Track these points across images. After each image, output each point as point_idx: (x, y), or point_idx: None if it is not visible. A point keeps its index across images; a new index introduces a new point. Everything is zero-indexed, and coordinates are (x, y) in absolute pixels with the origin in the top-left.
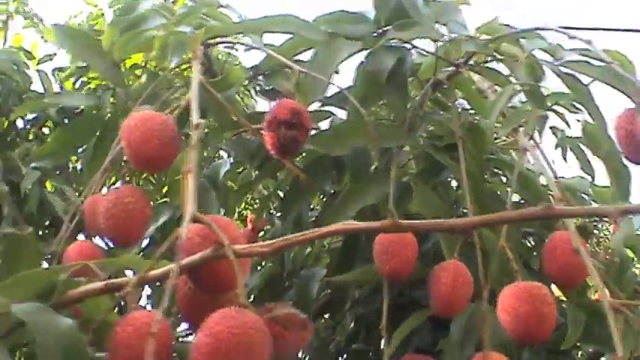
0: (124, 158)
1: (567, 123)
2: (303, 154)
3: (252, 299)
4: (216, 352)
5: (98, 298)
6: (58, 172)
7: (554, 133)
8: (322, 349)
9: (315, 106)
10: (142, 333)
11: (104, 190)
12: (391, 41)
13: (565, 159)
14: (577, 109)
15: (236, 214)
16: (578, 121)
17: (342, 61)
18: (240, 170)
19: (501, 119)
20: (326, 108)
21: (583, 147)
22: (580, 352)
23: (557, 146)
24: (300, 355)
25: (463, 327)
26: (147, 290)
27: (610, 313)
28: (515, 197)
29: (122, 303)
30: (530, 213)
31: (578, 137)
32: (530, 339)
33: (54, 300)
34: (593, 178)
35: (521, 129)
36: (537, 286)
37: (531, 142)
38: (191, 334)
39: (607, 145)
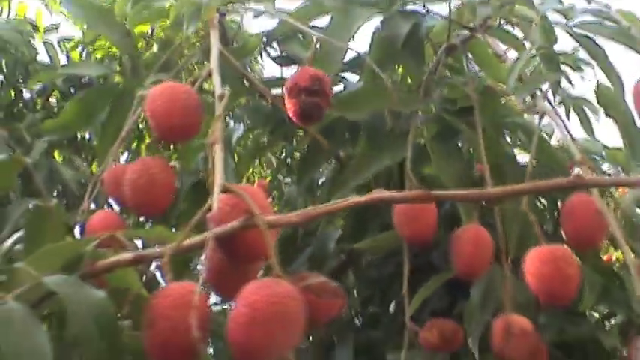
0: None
1: (570, 82)
2: None
3: None
4: (253, 322)
5: (124, 269)
6: (66, 142)
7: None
8: None
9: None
10: (180, 304)
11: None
12: (406, 6)
13: (568, 118)
14: (580, 67)
15: (244, 180)
16: (583, 79)
17: (359, 28)
18: (251, 137)
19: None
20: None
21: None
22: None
23: (560, 103)
24: None
25: (483, 290)
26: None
27: (636, 274)
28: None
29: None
30: (558, 183)
31: (579, 96)
32: (554, 300)
33: (82, 271)
34: (593, 137)
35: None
36: (561, 248)
37: (549, 105)
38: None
39: (622, 107)
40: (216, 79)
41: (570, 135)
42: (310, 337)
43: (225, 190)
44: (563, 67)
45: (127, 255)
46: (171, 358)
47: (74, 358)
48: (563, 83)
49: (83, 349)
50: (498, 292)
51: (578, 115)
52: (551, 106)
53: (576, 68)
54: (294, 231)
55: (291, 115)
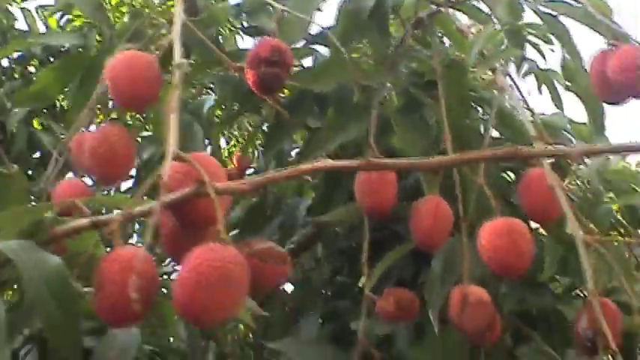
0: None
1: (543, 55)
2: (287, 90)
3: (236, 230)
4: (197, 286)
5: (83, 234)
6: (44, 110)
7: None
8: (304, 282)
9: (298, 43)
10: (127, 268)
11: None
12: None
13: (540, 91)
14: (551, 40)
15: (225, 152)
16: (552, 51)
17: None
18: (224, 106)
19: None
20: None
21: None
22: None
23: (525, 74)
24: (284, 288)
25: (444, 261)
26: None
27: (582, 249)
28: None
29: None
30: (501, 153)
31: (548, 69)
32: (507, 272)
33: (40, 237)
34: (562, 110)
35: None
36: (515, 221)
37: (508, 80)
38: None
39: (584, 83)
40: (176, 48)
41: (530, 110)
42: (285, 307)
43: (177, 158)
44: (534, 39)
45: (83, 220)
46: (118, 320)
47: (35, 324)
48: (535, 55)
49: (38, 315)
50: (460, 264)
51: (548, 89)
52: (513, 81)
53: (547, 41)
54: (263, 200)
55: (251, 86)
